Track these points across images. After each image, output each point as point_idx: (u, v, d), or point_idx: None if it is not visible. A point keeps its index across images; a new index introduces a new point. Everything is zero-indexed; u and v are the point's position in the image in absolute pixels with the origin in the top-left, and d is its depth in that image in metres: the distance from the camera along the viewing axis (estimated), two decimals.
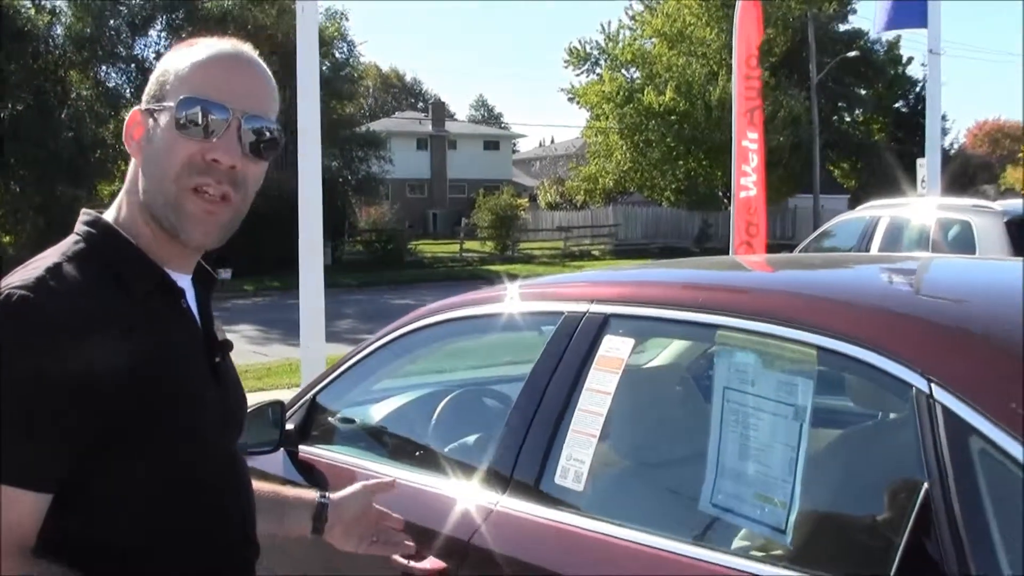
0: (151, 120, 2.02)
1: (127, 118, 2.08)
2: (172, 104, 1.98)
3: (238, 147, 1.99)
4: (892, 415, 2.83)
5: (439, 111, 79.46)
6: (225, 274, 33.08)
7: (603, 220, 57.72)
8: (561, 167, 70.02)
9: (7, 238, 34.88)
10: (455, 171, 75.45)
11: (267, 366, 16.81)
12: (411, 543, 2.78)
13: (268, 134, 2.04)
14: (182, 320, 2.08)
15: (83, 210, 2.10)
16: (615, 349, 2.94)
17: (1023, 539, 1.96)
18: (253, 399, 3.33)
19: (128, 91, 40.31)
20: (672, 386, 3.79)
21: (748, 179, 12.01)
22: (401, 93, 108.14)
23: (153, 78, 2.06)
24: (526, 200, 60.60)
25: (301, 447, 3.86)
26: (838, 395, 3.25)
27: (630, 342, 2.95)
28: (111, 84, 40.59)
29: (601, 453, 2.92)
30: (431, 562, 2.97)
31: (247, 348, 19.31)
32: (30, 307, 1.79)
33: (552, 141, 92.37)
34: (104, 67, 39.93)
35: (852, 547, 2.46)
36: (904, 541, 2.08)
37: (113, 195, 2.07)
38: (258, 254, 30.35)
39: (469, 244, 50.25)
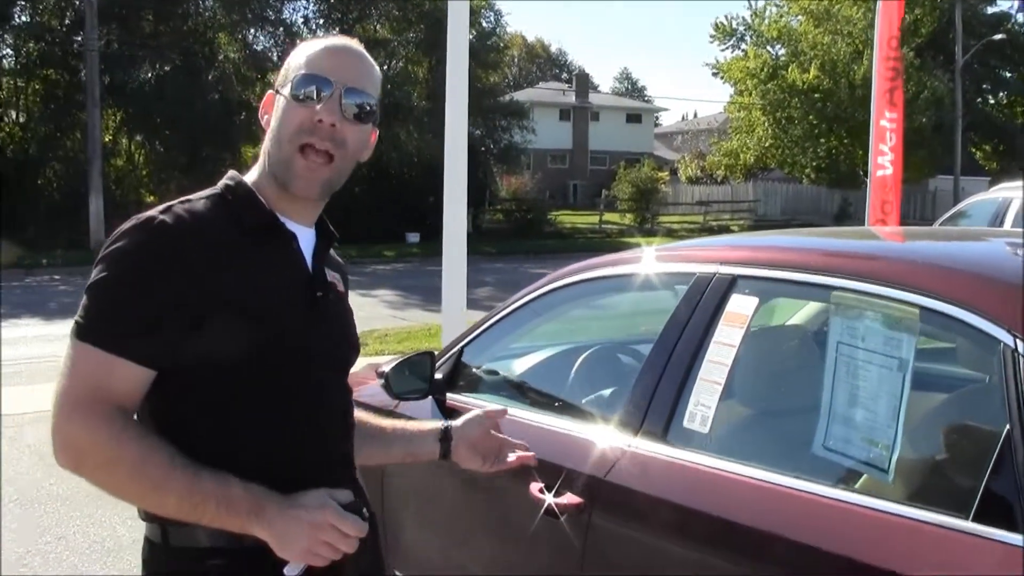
0: (278, 99, 2.46)
1: (263, 99, 2.53)
2: (291, 83, 2.42)
3: (339, 111, 2.40)
4: (982, 368, 3.10)
5: (582, 82, 79.40)
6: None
7: (743, 196, 57.41)
8: (702, 142, 69.55)
9: (151, 197, 35.41)
10: (596, 143, 75.33)
11: (407, 330, 17.08)
12: (531, 454, 2.98)
13: (367, 106, 2.46)
14: (288, 257, 2.44)
15: (230, 171, 2.54)
16: (741, 306, 3.24)
17: None
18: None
19: (275, 54, 40.66)
20: (791, 341, 4.09)
21: (885, 158, 12.09)
22: (545, 64, 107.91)
23: (283, 68, 2.50)
24: (666, 173, 60.43)
25: (448, 395, 4.17)
26: (938, 351, 3.52)
27: (755, 300, 3.25)
28: (258, 47, 41.00)
29: (726, 400, 3.22)
30: (568, 497, 3.29)
31: (386, 312, 19.65)
32: (157, 224, 2.24)
33: (695, 115, 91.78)
34: (252, 30, 40.26)
35: (944, 485, 2.76)
36: (986, 479, 2.38)
37: (256, 157, 2.52)
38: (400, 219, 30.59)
39: (608, 216, 50.24)
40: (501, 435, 2.97)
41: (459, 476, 3.57)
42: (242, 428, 2.30)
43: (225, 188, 2.44)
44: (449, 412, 4.04)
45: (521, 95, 64.16)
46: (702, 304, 3.35)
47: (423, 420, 3.07)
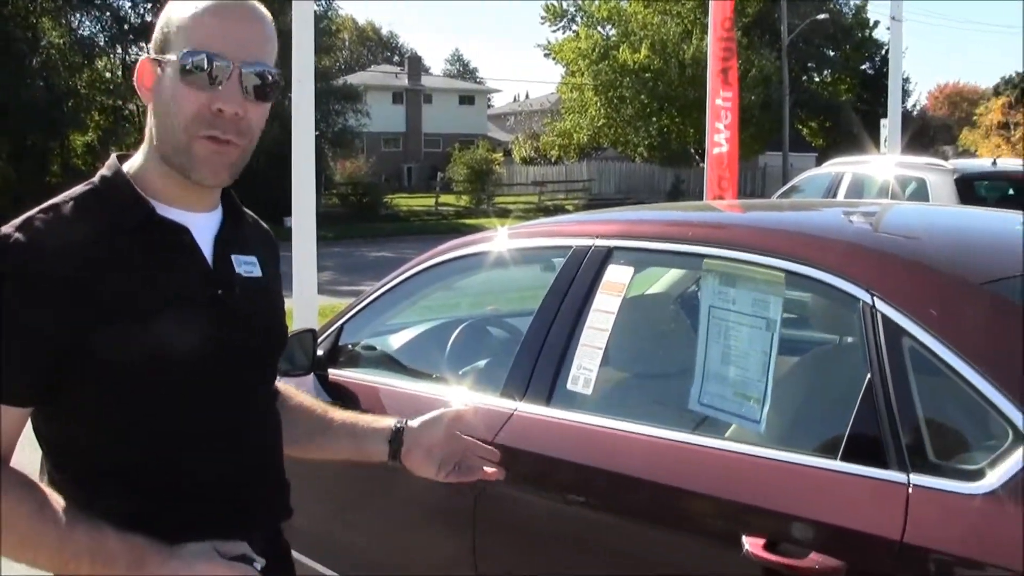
0: (158, 69, 2.11)
1: (137, 66, 2.16)
2: (175, 57, 2.07)
3: (240, 94, 2.08)
4: (844, 324, 3.39)
5: (415, 65, 79.27)
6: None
7: (577, 175, 57.80)
8: (536, 122, 69.94)
9: None
10: (430, 125, 75.29)
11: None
12: (496, 471, 2.61)
13: (269, 77, 2.12)
14: (178, 254, 2.14)
15: (111, 158, 2.22)
16: (618, 276, 3.47)
17: (942, 416, 2.59)
18: None
19: (102, 39, 39.80)
20: (666, 306, 4.36)
21: (721, 136, 12.47)
22: (377, 47, 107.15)
23: (157, 27, 2.15)
24: (501, 155, 60.71)
25: (330, 370, 4.29)
26: (802, 310, 3.81)
27: (630, 270, 3.48)
28: (84, 32, 39.86)
29: (607, 363, 3.44)
30: None
31: None
32: (12, 245, 1.94)
33: (527, 96, 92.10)
34: (77, 15, 39.25)
35: (813, 430, 3.05)
36: (851, 423, 2.65)
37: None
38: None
39: (444, 198, 50.32)
40: (467, 438, 2.59)
41: None
42: (143, 443, 2.08)
43: (99, 182, 2.14)
44: (331, 387, 4.19)
45: (354, 79, 63.68)
46: (580, 275, 3.55)
47: (379, 416, 2.70)
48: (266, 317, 2.32)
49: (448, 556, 3.64)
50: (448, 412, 2.54)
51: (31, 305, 1.92)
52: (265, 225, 2.47)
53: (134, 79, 2.19)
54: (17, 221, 1.99)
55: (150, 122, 2.16)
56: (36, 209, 2.03)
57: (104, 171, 2.15)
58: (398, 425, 2.56)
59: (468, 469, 2.58)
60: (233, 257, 2.24)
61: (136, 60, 37.69)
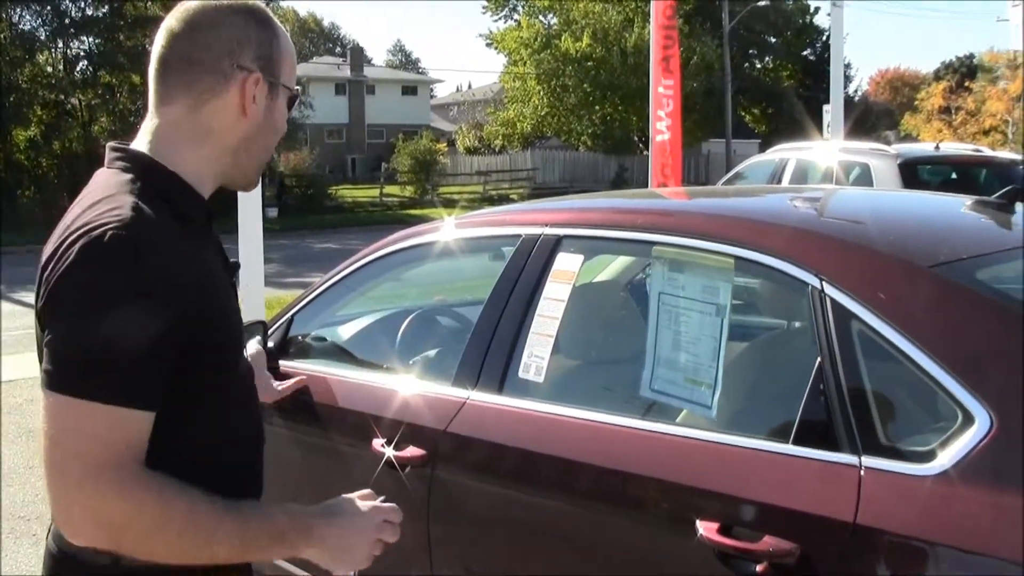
0: (275, 93, 2.23)
1: (246, 78, 2.16)
2: (289, 87, 2.26)
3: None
4: (794, 309, 3.42)
5: (357, 56, 78.84)
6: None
7: (521, 164, 57.82)
8: (479, 112, 69.96)
9: None
10: (373, 116, 74.99)
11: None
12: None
13: None
14: (215, 245, 2.24)
15: (111, 145, 2.19)
16: (567, 264, 3.48)
17: (893, 398, 2.62)
18: None
19: (43, 33, 39.36)
20: (617, 293, 4.38)
21: (663, 123, 12.61)
22: (318, 38, 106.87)
23: (261, 43, 2.20)
24: (445, 145, 60.64)
25: (281, 361, 4.27)
26: (752, 296, 3.84)
27: (580, 258, 3.49)
28: (25, 27, 39.35)
29: (558, 351, 3.46)
30: (410, 450, 3.47)
31: None
32: (129, 242, 1.90)
33: (470, 87, 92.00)
34: (17, 8, 38.70)
35: (764, 415, 3.08)
36: (802, 407, 2.67)
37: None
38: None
39: (389, 189, 50.19)
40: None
41: (299, 439, 3.73)
42: (217, 429, 2.13)
43: (152, 176, 2.10)
44: (283, 379, 4.12)
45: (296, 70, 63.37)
46: (530, 263, 3.56)
47: None
48: (237, 299, 2.39)
49: (402, 545, 3.64)
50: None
51: (159, 308, 1.91)
52: None
53: (235, 89, 2.17)
54: (107, 216, 1.94)
55: (239, 133, 2.20)
56: (122, 205, 1.97)
57: (137, 165, 2.11)
58: None
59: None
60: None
61: (77, 54, 36.98)
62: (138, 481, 1.90)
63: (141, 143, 2.16)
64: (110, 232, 1.89)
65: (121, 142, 2.19)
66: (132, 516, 1.89)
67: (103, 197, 2.01)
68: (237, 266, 2.35)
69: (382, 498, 2.31)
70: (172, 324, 1.92)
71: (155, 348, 1.91)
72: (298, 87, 2.30)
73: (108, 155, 2.17)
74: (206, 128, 2.17)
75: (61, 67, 40.82)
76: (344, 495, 2.23)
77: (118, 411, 1.88)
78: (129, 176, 2.08)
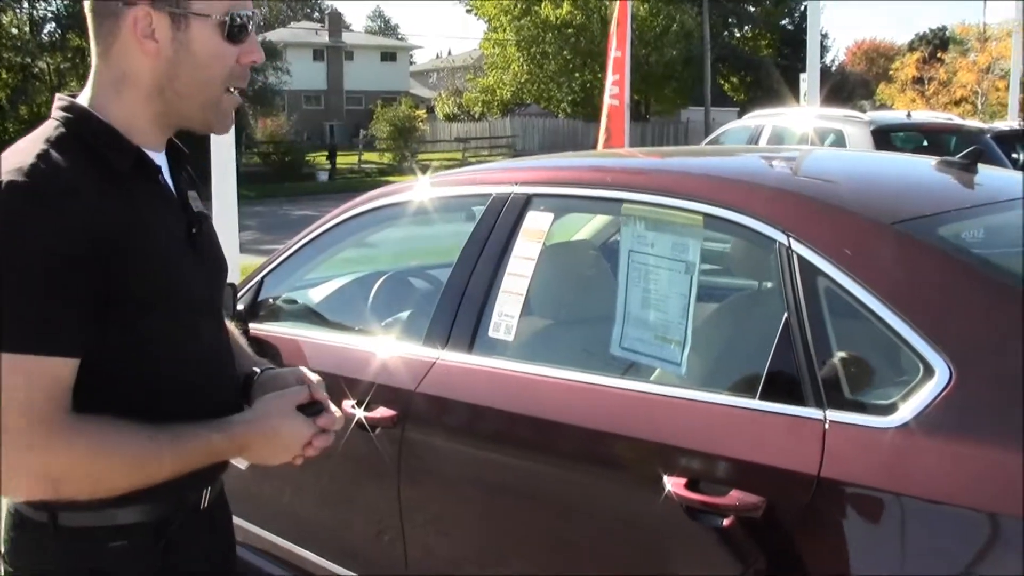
0: (182, 23, 2.07)
1: (134, 14, 2.06)
2: (212, 15, 2.08)
3: (258, 42, 2.19)
4: (762, 266, 3.42)
5: (335, 21, 78.67)
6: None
7: (501, 131, 57.81)
8: (459, 79, 69.91)
9: None
10: (352, 83, 74.83)
11: None
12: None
13: (258, 20, 2.20)
14: (160, 194, 2.15)
15: (58, 95, 2.16)
16: (537, 222, 3.47)
17: (857, 353, 2.63)
18: None
19: None
20: (587, 252, 4.37)
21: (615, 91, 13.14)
22: (297, 3, 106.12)
23: None
24: (424, 112, 60.53)
25: (251, 324, 4.20)
26: (720, 253, 3.85)
27: (550, 216, 3.48)
28: None
29: (528, 309, 3.46)
30: (380, 411, 3.47)
31: None
32: (30, 190, 1.88)
33: (449, 53, 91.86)
34: None
35: (732, 371, 3.10)
36: (769, 362, 2.68)
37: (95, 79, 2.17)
38: None
39: (368, 156, 50.14)
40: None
41: None
42: (159, 375, 2.10)
43: (67, 122, 2.06)
44: (252, 342, 4.15)
45: (273, 36, 63.30)
46: (500, 222, 3.55)
47: (256, 358, 2.59)
48: (216, 248, 2.36)
49: (373, 506, 3.65)
50: (297, 371, 2.40)
51: (72, 261, 1.89)
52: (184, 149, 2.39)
53: (128, 28, 2.07)
54: (18, 167, 1.91)
55: (134, 71, 2.10)
56: (28, 153, 1.95)
57: (71, 115, 2.08)
58: (254, 369, 2.49)
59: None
60: (188, 193, 2.27)
61: (44, 16, 36.47)
62: (66, 432, 1.90)
63: (84, 95, 2.14)
64: (6, 181, 1.88)
65: (70, 93, 2.17)
66: (66, 467, 1.91)
67: (21, 145, 2.00)
68: (202, 216, 2.27)
69: (323, 392, 2.28)
70: (80, 269, 1.89)
71: (62, 292, 1.88)
72: (247, 13, 2.12)
73: (54, 105, 2.15)
74: (119, 73, 2.11)
75: (27, 29, 40.35)
76: (275, 396, 2.22)
77: (32, 359, 1.86)
78: (53, 124, 2.06)
